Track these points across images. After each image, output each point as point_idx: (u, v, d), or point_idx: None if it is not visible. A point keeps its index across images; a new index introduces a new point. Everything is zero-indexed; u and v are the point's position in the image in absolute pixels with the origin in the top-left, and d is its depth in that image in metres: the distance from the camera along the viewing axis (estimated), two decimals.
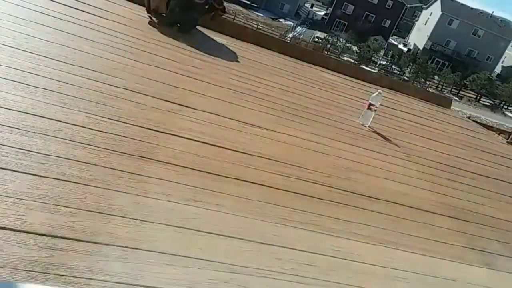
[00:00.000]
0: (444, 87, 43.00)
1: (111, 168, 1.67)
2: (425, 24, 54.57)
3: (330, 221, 1.93)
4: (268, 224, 1.72)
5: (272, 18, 45.95)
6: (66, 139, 1.73)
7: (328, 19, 54.07)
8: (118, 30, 3.55)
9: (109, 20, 3.76)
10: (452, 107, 6.24)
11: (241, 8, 43.59)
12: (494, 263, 2.22)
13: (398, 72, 41.91)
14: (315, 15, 58.28)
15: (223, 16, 4.71)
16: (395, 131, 3.90)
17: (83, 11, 3.65)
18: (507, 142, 5.68)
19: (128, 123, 2.07)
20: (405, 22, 59.27)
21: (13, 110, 1.78)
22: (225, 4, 4.53)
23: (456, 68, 46.00)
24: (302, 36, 41.19)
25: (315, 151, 2.71)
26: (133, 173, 1.70)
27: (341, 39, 41.95)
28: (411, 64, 42.66)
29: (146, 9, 4.38)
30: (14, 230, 1.20)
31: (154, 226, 1.45)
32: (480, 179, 3.42)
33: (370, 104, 3.57)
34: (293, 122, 3.05)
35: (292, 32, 41.95)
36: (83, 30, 3.20)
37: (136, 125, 2.09)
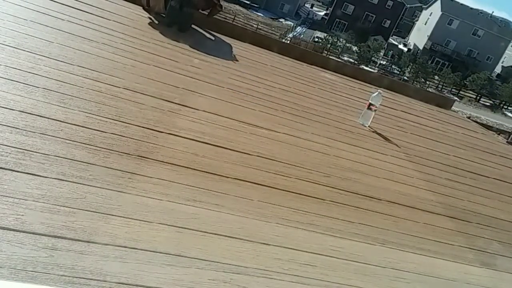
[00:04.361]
0: (444, 87, 42.95)
1: (111, 168, 1.66)
2: (425, 24, 54.51)
3: (330, 221, 1.93)
4: (268, 224, 1.72)
5: (272, 18, 45.92)
6: (66, 139, 1.73)
7: (328, 19, 54.00)
8: (118, 30, 3.55)
9: (109, 20, 3.76)
10: (452, 107, 6.24)
11: (241, 8, 43.57)
12: (494, 263, 2.22)
13: (398, 72, 41.87)
14: (315, 15, 58.23)
15: (224, 17, 4.74)
16: (395, 131, 3.90)
17: (83, 11, 3.65)
18: (507, 142, 5.67)
19: (128, 123, 2.07)
20: (405, 22, 59.22)
21: (13, 110, 1.78)
22: (226, 4, 4.56)
23: (456, 68, 45.94)
24: (302, 36, 41.17)
25: (315, 151, 2.71)
26: (133, 173, 1.70)
27: (341, 39, 41.90)
28: (411, 64, 42.60)
29: (143, 7, 4.39)
30: (14, 230, 1.20)
31: (154, 226, 1.45)
32: (480, 179, 3.41)
33: (370, 104, 3.57)
34: (293, 122, 3.05)
35: (292, 32, 41.92)
36: (83, 29, 3.20)
37: (136, 125, 2.09)
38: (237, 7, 42.78)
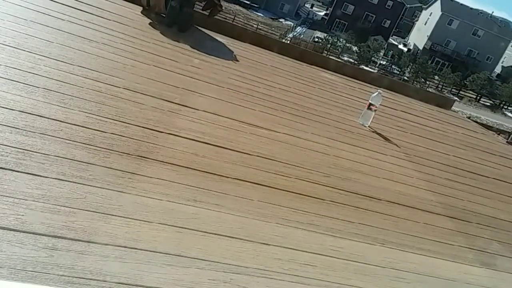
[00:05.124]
0: (444, 87, 42.97)
1: (111, 168, 1.66)
2: (425, 24, 54.51)
3: (330, 221, 1.93)
4: (268, 224, 1.72)
5: (272, 18, 45.92)
6: (66, 139, 1.73)
7: (328, 19, 54.01)
8: (118, 30, 3.55)
9: (109, 20, 3.76)
10: (452, 107, 6.24)
11: (241, 8, 43.57)
12: (494, 263, 2.22)
13: (398, 72, 41.86)
14: (315, 15, 58.25)
15: (224, 17, 4.76)
16: (395, 131, 3.90)
17: (83, 11, 3.65)
18: (507, 142, 5.67)
19: (128, 123, 2.07)
20: (405, 22, 59.25)
21: (13, 110, 1.78)
22: (226, 4, 4.58)
23: (456, 68, 45.97)
24: (302, 36, 41.18)
25: (315, 151, 2.71)
26: (133, 173, 1.70)
27: (341, 39, 41.91)
28: (411, 64, 42.61)
29: (143, 7, 4.40)
30: (14, 230, 1.20)
31: (154, 226, 1.45)
32: (480, 179, 3.41)
33: (370, 104, 3.57)
34: (293, 122, 3.05)
35: (292, 32, 41.92)
36: (83, 29, 3.20)
37: (136, 125, 2.09)
38: (237, 7, 42.78)
